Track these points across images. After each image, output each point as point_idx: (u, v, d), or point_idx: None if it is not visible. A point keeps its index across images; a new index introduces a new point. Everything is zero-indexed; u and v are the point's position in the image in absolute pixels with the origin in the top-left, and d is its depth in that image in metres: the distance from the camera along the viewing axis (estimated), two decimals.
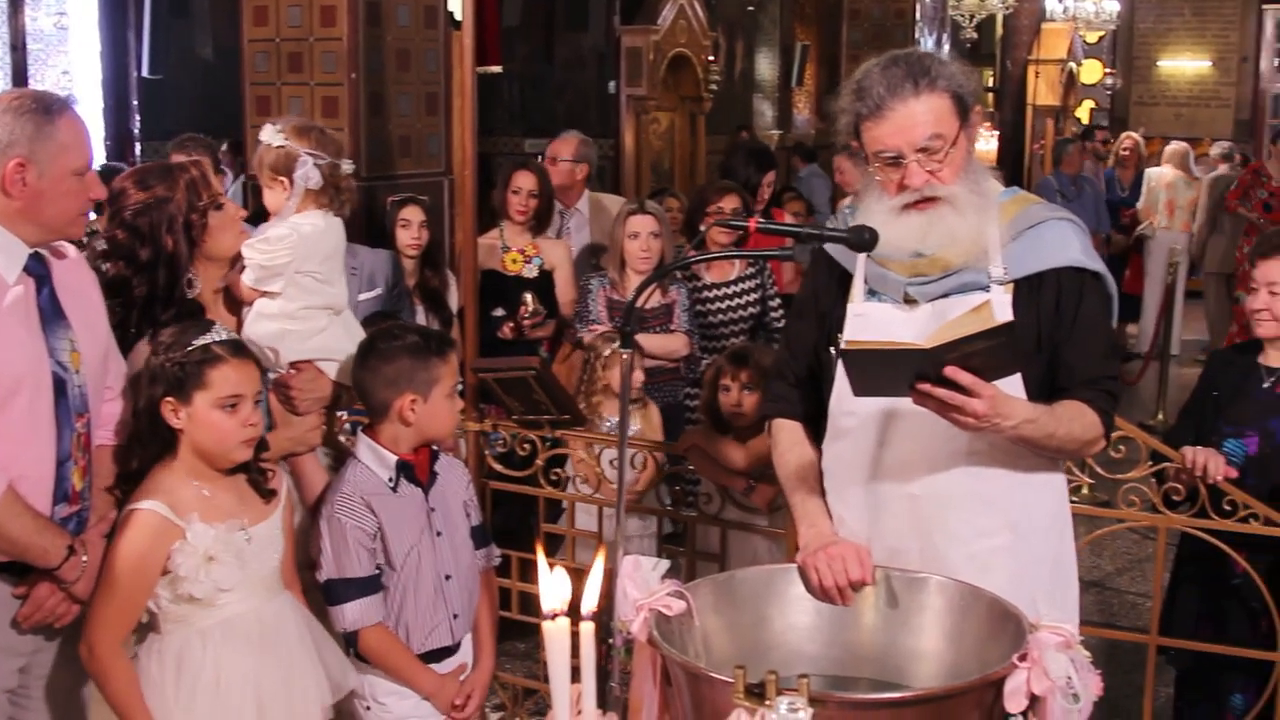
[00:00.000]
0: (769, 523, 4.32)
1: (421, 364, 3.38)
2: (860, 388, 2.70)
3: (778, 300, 6.04)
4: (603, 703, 2.72)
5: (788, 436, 3.11)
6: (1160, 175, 12.64)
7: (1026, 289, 2.86)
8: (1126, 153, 13.13)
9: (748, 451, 4.34)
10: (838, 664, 2.75)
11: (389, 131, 6.47)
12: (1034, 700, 2.35)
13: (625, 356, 2.64)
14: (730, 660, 2.30)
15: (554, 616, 1.82)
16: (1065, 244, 2.90)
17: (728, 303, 5.92)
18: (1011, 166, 15.99)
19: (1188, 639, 3.97)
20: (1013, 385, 2.80)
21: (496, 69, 7.57)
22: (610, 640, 2.67)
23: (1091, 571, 6.92)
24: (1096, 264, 2.92)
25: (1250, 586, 3.77)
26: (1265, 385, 3.90)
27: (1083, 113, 17.69)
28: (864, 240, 2.71)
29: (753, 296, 5.96)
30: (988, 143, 15.17)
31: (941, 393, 2.58)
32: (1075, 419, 2.84)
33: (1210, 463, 3.70)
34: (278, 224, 3.56)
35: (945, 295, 2.86)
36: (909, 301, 2.90)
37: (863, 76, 2.84)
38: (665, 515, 4.56)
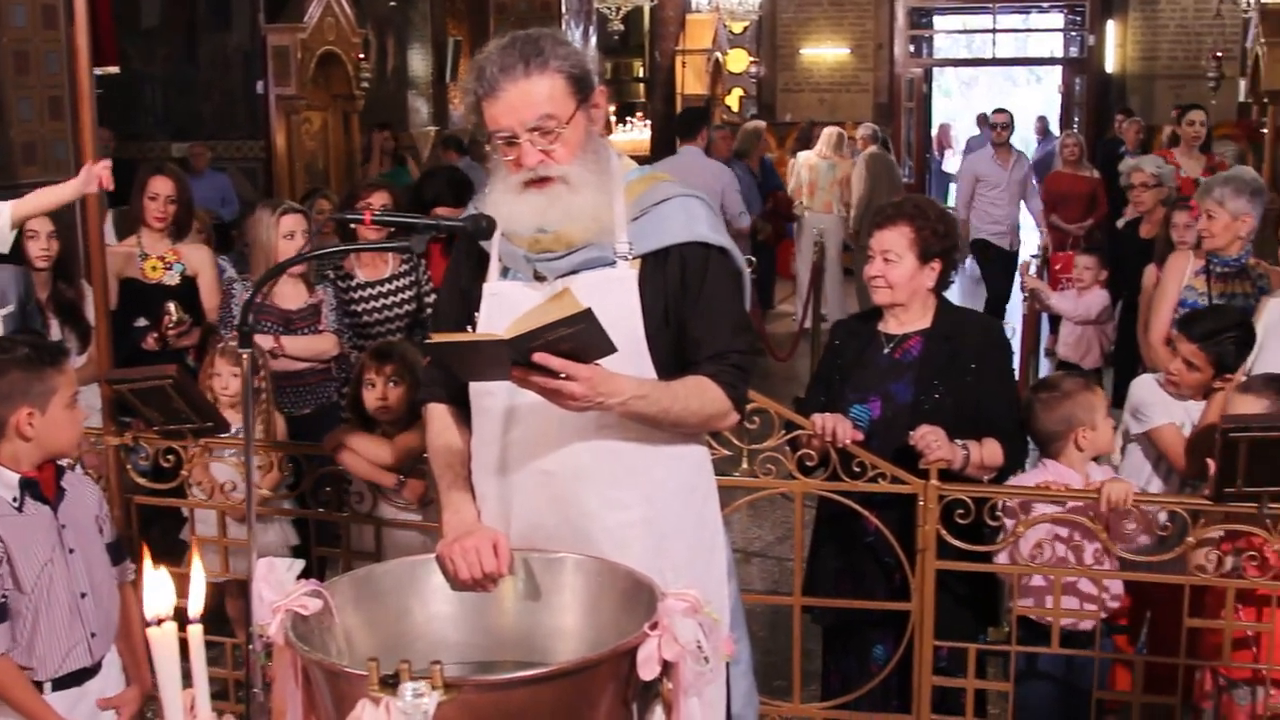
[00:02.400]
0: (423, 517, 4.31)
1: (35, 375, 3.24)
2: (464, 375, 2.72)
3: (434, 296, 6.02)
4: (248, 709, 2.68)
5: (437, 423, 3.11)
6: (805, 159, 13.20)
7: (652, 264, 2.93)
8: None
9: (396, 447, 4.32)
10: (482, 650, 2.77)
11: (10, 138, 6.15)
12: (667, 666, 2.43)
13: (245, 356, 2.58)
14: (375, 655, 2.28)
15: (159, 622, 1.78)
16: (691, 220, 2.97)
17: (382, 301, 5.87)
18: (664, 155, 16.32)
19: (829, 598, 4.15)
20: (639, 360, 2.88)
21: (114, 70, 7.29)
22: (250, 645, 2.62)
23: (754, 542, 7.15)
24: (722, 240, 3.00)
25: (883, 543, 3.95)
26: (885, 351, 4.07)
27: (732, 101, 18.22)
28: (481, 229, 2.73)
29: (408, 294, 5.93)
30: (641, 132, 15.47)
31: (536, 378, 2.64)
32: (694, 394, 2.92)
33: (838, 427, 3.86)
34: None
35: (575, 271, 2.91)
36: (540, 278, 2.94)
37: (482, 58, 2.87)
38: (316, 518, 4.49)
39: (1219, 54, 17.16)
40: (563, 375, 2.62)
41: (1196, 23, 18.69)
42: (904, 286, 4.00)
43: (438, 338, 2.69)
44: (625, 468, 2.93)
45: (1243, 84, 16.44)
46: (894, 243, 4.00)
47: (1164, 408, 4.43)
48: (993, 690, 4.18)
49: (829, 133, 13.29)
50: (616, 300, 2.89)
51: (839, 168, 12.89)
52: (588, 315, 2.55)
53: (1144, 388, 4.50)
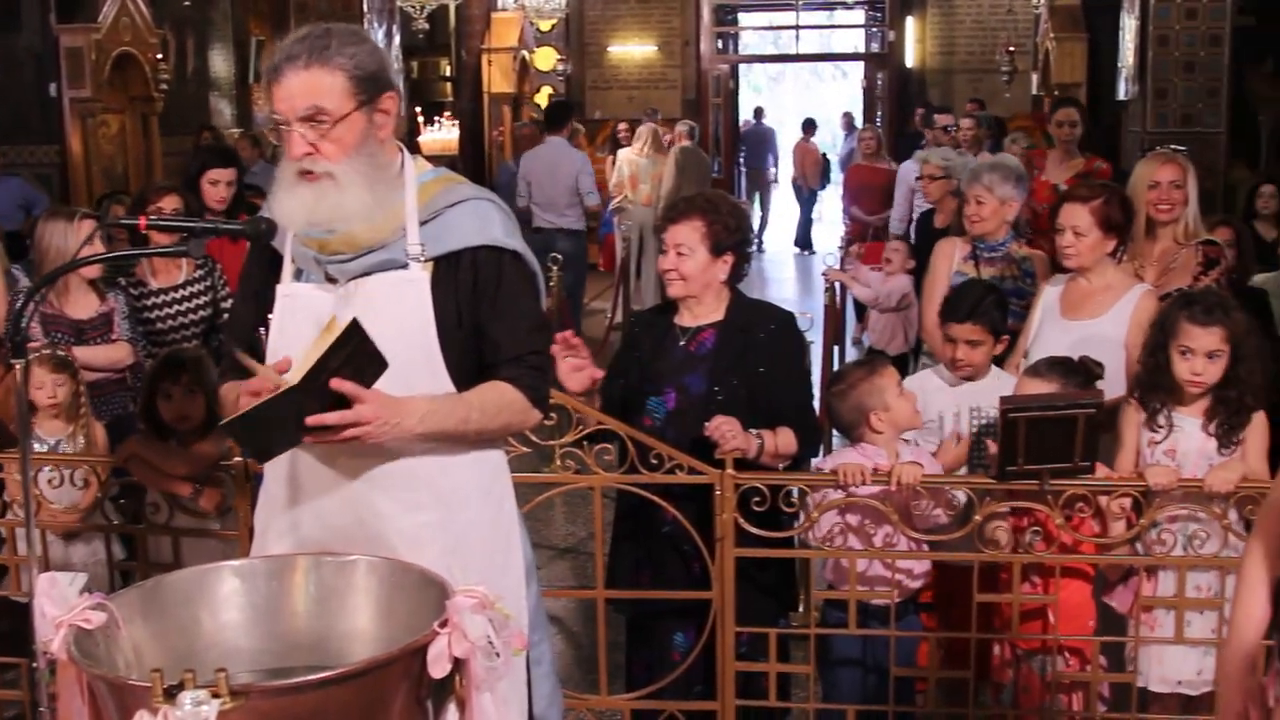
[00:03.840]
0: (221, 526, 4.25)
1: None
2: (260, 451, 2.74)
3: (231, 301, 5.94)
4: None
5: (231, 386, 3.05)
6: (626, 155, 13.55)
7: (445, 266, 2.95)
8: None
9: (191, 456, 4.25)
10: (276, 656, 2.74)
11: None
12: (459, 663, 2.44)
13: (18, 367, 2.53)
14: (165, 666, 2.26)
15: None
16: (484, 223, 3.00)
17: (177, 307, 5.76)
18: (472, 155, 16.30)
19: (630, 589, 4.19)
20: (432, 362, 2.90)
21: None
22: (34, 664, 2.57)
23: (567, 539, 7.19)
24: (515, 243, 3.03)
25: (681, 533, 4.00)
26: (681, 344, 4.12)
27: (541, 99, 18.23)
28: (260, 231, 2.72)
29: (203, 299, 5.83)
30: (449, 131, 15.40)
31: (331, 416, 2.67)
32: (492, 400, 2.95)
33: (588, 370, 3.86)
34: None
35: (367, 274, 2.92)
36: (331, 280, 2.94)
37: (280, 45, 2.89)
38: (113, 531, 4.39)
39: (1012, 48, 17.73)
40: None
41: (991, 18, 19.27)
42: (697, 279, 4.06)
43: (229, 419, 2.69)
44: (418, 469, 2.94)
45: (1035, 77, 17.05)
46: (686, 236, 4.06)
47: (930, 408, 4.55)
48: (799, 674, 4.27)
49: (645, 130, 13.64)
50: (409, 303, 2.91)
51: (659, 163, 13.12)
52: (355, 327, 2.60)
53: (913, 385, 4.60)
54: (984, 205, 5.45)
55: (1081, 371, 4.24)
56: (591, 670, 4.73)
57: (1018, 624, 4.08)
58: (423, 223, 2.95)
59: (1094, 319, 4.67)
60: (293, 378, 2.63)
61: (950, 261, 5.51)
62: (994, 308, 4.58)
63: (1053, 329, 4.71)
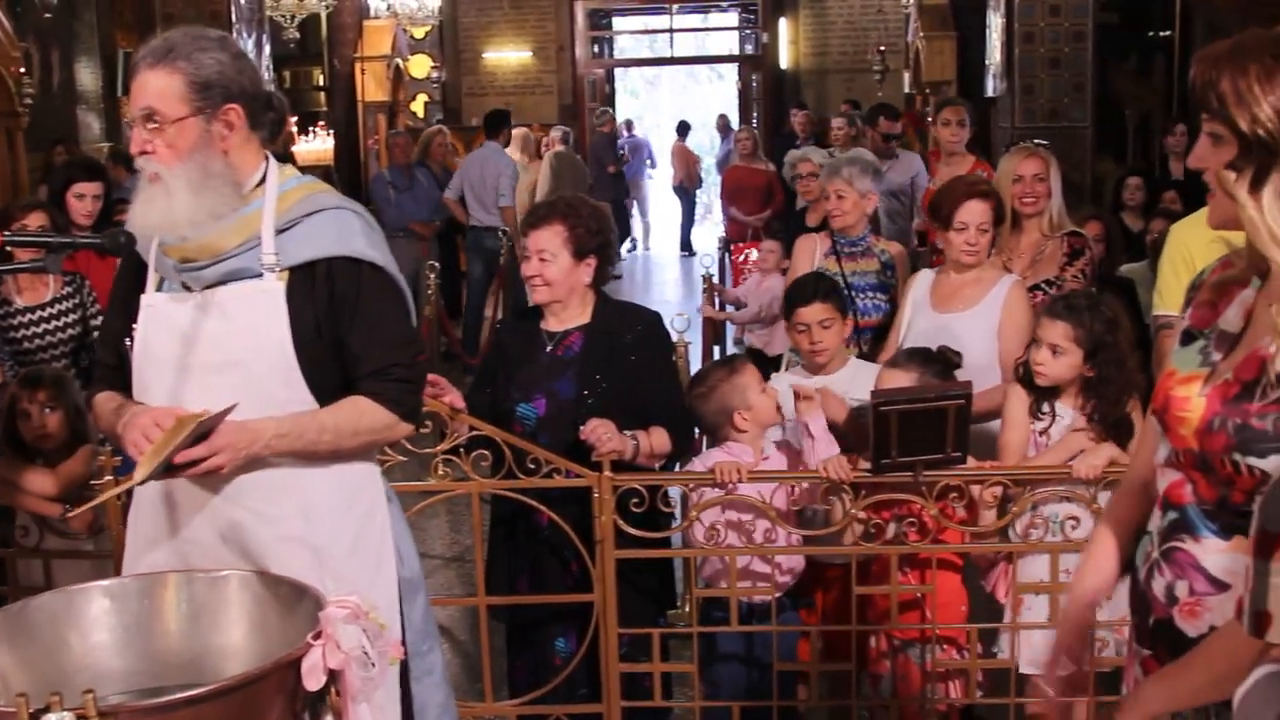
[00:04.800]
0: (94, 546, 4.18)
1: None
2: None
3: (101, 318, 5.83)
4: None
5: (106, 398, 3.06)
6: None
7: (302, 276, 2.90)
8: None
9: (59, 476, 4.18)
10: (149, 676, 2.70)
11: None
12: (334, 674, 2.43)
13: None
14: (33, 691, 2.21)
15: None
16: (344, 233, 2.95)
17: (44, 325, 5.64)
18: (348, 164, 16.15)
19: (509, 595, 4.17)
20: (288, 375, 2.87)
21: None
22: None
23: (453, 547, 7.16)
24: (377, 255, 2.97)
25: (558, 537, 4.01)
26: (548, 350, 4.12)
27: (417, 107, 18.15)
28: (119, 244, 2.67)
29: (72, 317, 5.72)
30: (324, 141, 15.26)
31: (187, 476, 2.75)
32: (347, 419, 2.92)
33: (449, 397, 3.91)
34: None
35: (223, 283, 2.89)
36: (188, 288, 2.92)
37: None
38: None
39: (883, 48, 17.99)
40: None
41: (862, 19, 19.56)
42: (561, 284, 4.06)
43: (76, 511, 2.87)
44: (279, 483, 2.91)
45: (907, 76, 17.30)
46: (548, 241, 4.06)
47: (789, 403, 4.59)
48: (684, 673, 4.29)
49: (518, 134, 13.51)
50: (263, 313, 2.87)
51: (530, 170, 13.07)
52: (202, 423, 2.67)
53: (776, 381, 4.63)
54: (844, 199, 5.50)
55: (940, 360, 4.31)
56: (478, 678, 4.70)
57: (896, 615, 4.13)
58: (280, 231, 2.90)
59: (966, 310, 4.74)
60: (141, 473, 2.67)
61: (812, 258, 5.56)
62: (834, 290, 4.67)
63: (924, 321, 4.78)
